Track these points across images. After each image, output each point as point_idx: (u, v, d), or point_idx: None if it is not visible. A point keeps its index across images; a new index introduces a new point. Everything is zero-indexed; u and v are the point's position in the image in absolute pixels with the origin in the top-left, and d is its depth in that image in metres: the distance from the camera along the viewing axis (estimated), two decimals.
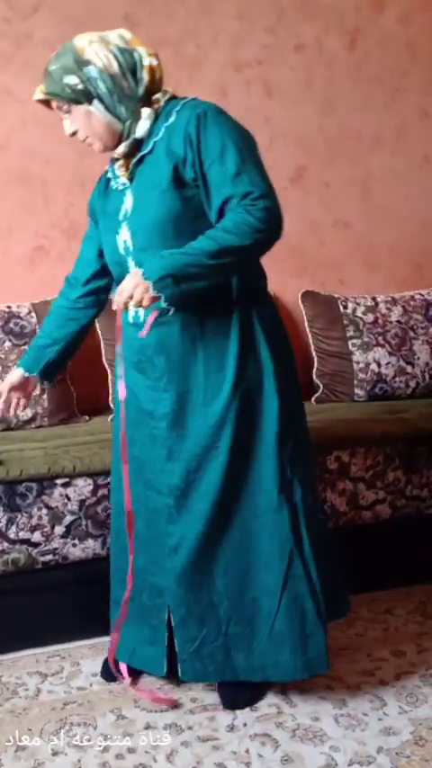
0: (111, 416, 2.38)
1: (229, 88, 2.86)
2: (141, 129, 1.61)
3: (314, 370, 2.88)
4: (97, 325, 2.55)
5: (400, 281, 3.16)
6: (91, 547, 2.07)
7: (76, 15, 2.63)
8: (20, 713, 1.78)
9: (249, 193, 1.52)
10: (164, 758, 1.61)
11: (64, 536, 2.05)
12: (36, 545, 2.03)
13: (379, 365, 2.79)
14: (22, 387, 1.88)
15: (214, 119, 1.56)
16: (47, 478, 2.02)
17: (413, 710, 1.76)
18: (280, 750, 1.63)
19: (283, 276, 2.99)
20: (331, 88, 3.01)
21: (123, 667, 1.87)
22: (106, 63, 1.57)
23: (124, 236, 1.67)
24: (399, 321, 2.88)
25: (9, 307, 2.56)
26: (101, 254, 1.82)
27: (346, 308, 2.88)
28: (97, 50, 1.57)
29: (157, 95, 1.63)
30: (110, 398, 2.57)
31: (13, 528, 2.00)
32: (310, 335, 2.91)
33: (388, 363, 2.79)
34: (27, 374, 1.87)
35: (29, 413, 2.43)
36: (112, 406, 2.51)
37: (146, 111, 1.61)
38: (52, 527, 2.04)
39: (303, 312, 2.93)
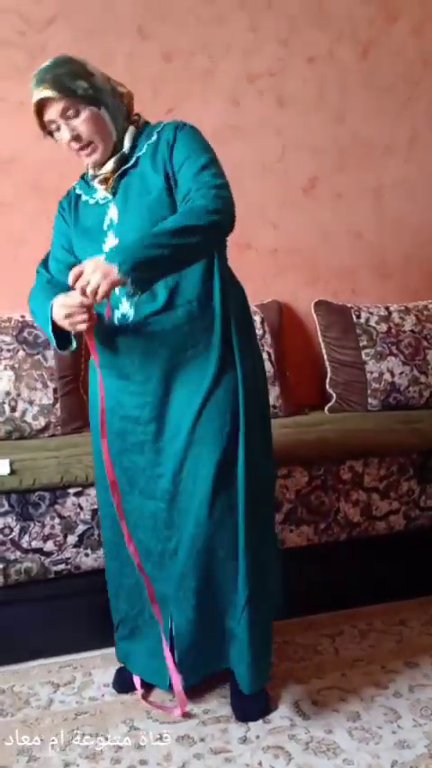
0: None
1: (242, 99, 2.87)
2: (127, 144, 1.68)
3: (327, 379, 2.87)
4: None
5: (413, 290, 3.15)
6: (103, 556, 2.07)
7: (89, 28, 2.66)
8: (32, 723, 1.77)
9: (208, 183, 1.58)
10: None
11: (76, 545, 2.05)
12: (48, 554, 2.03)
13: (392, 375, 2.78)
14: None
15: (189, 130, 1.68)
16: (59, 488, 2.03)
17: (428, 723, 1.74)
18: (293, 763, 1.62)
19: (296, 285, 2.99)
20: (344, 98, 3.01)
21: (136, 679, 1.87)
22: (104, 79, 1.66)
23: (111, 244, 1.67)
24: (412, 330, 2.87)
25: (23, 316, 2.57)
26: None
27: (359, 317, 2.88)
28: (94, 68, 1.66)
29: (134, 116, 1.73)
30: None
31: (26, 537, 2.01)
32: (323, 345, 2.91)
33: (401, 373, 2.78)
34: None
35: (42, 422, 2.44)
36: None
37: (131, 130, 1.70)
38: (65, 536, 2.04)
39: (316, 321, 2.93)
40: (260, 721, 1.76)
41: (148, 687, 1.88)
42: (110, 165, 1.68)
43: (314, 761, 1.62)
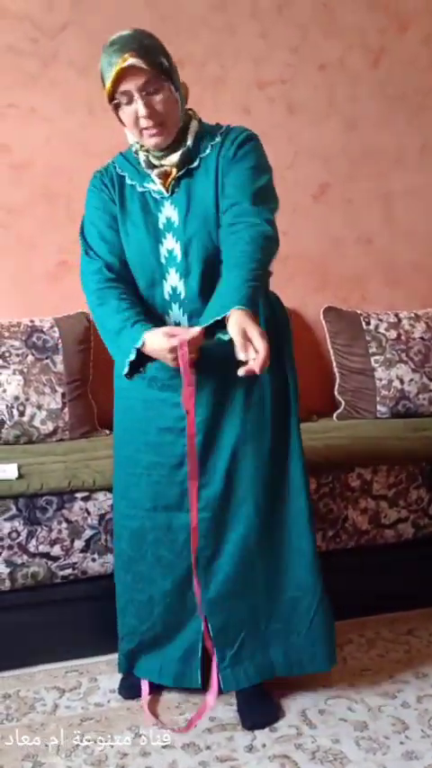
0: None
1: (253, 106, 2.88)
2: (190, 139, 1.63)
3: (336, 386, 2.86)
4: None
5: (423, 297, 3.14)
6: (110, 562, 2.06)
7: (101, 35, 2.62)
8: (37, 728, 1.76)
9: (268, 209, 1.58)
10: None
11: (83, 550, 2.05)
12: (55, 559, 2.03)
13: (402, 382, 2.77)
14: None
15: (253, 145, 1.64)
16: (67, 492, 2.02)
17: None
18: None
19: (306, 292, 2.99)
20: (354, 106, 3.01)
21: (144, 684, 1.86)
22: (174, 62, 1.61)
23: (169, 246, 1.64)
24: (422, 338, 2.85)
25: (32, 321, 2.58)
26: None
27: (368, 324, 2.87)
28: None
29: (189, 110, 1.67)
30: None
31: (33, 541, 2.00)
32: (332, 352, 2.90)
33: (411, 380, 2.77)
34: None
35: (50, 426, 2.44)
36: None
37: (194, 124, 1.65)
38: (72, 541, 2.03)
39: (325, 328, 2.92)
40: (267, 729, 1.74)
41: (155, 694, 1.87)
42: (175, 158, 1.61)
43: None
